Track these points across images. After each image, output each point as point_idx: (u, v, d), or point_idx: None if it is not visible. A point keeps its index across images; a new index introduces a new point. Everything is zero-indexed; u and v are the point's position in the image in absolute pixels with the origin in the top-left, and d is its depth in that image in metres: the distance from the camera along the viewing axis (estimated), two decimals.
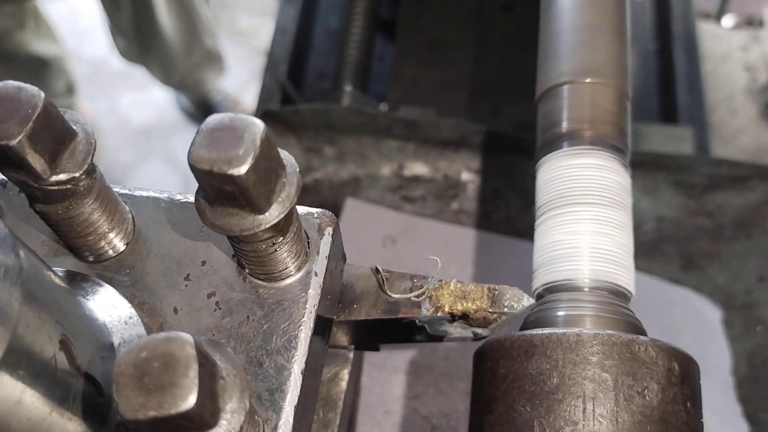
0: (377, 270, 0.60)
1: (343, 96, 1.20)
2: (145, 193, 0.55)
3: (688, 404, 0.52)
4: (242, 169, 0.40)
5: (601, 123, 0.66)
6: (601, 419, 0.49)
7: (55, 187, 0.45)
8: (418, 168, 1.13)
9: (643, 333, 0.57)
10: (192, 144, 0.41)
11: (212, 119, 0.42)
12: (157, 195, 0.55)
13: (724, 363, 0.98)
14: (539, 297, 0.61)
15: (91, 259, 0.52)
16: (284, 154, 0.46)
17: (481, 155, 1.12)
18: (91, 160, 0.45)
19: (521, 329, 0.60)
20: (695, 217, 1.07)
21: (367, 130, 1.11)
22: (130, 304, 0.49)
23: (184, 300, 0.51)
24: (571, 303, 0.58)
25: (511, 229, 1.09)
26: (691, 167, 1.06)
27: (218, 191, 0.43)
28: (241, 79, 2.86)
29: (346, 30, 1.32)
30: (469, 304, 0.59)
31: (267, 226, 0.45)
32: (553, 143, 0.67)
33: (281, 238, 0.48)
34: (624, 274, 0.60)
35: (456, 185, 1.12)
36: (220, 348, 0.41)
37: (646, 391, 0.50)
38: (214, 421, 0.38)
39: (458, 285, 0.60)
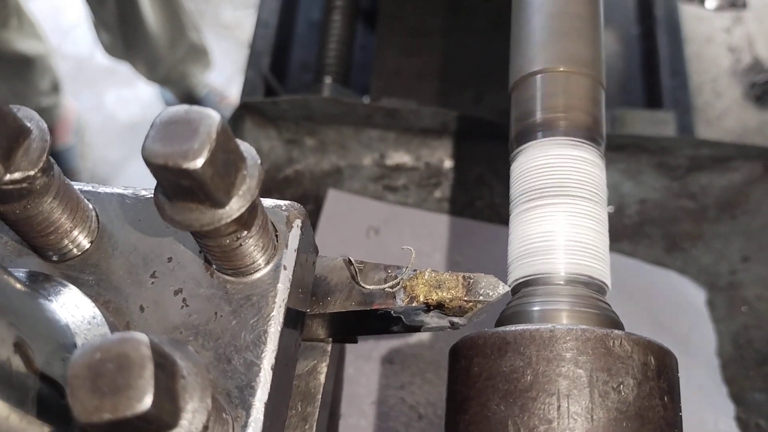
0: (350, 261, 0.59)
1: (323, 89, 1.19)
2: (108, 190, 0.54)
3: (666, 398, 0.51)
4: (198, 163, 0.39)
5: (575, 112, 0.64)
6: (575, 417, 0.48)
7: (10, 187, 0.44)
8: (399, 157, 1.12)
9: (620, 326, 0.57)
10: (146, 138, 0.40)
11: (167, 112, 0.41)
12: (122, 191, 0.54)
13: (709, 344, 0.98)
14: (515, 291, 0.61)
15: (54, 258, 0.51)
16: (245, 146, 0.45)
17: (463, 142, 1.12)
18: (47, 157, 0.45)
19: (497, 324, 0.59)
20: (678, 198, 1.07)
21: (347, 120, 1.11)
22: (93, 304, 0.48)
23: (150, 298, 0.50)
24: (547, 297, 0.57)
25: (495, 215, 1.09)
26: (673, 149, 1.05)
27: (176, 186, 0.42)
28: (226, 73, 2.84)
29: (326, 22, 1.30)
30: (444, 293, 0.58)
31: (228, 220, 0.44)
32: (528, 133, 0.66)
33: (245, 232, 0.47)
34: (600, 266, 0.59)
35: (438, 173, 1.12)
36: (181, 347, 0.40)
37: (621, 386, 0.49)
38: (174, 421, 0.37)
39: (433, 274, 0.59)
